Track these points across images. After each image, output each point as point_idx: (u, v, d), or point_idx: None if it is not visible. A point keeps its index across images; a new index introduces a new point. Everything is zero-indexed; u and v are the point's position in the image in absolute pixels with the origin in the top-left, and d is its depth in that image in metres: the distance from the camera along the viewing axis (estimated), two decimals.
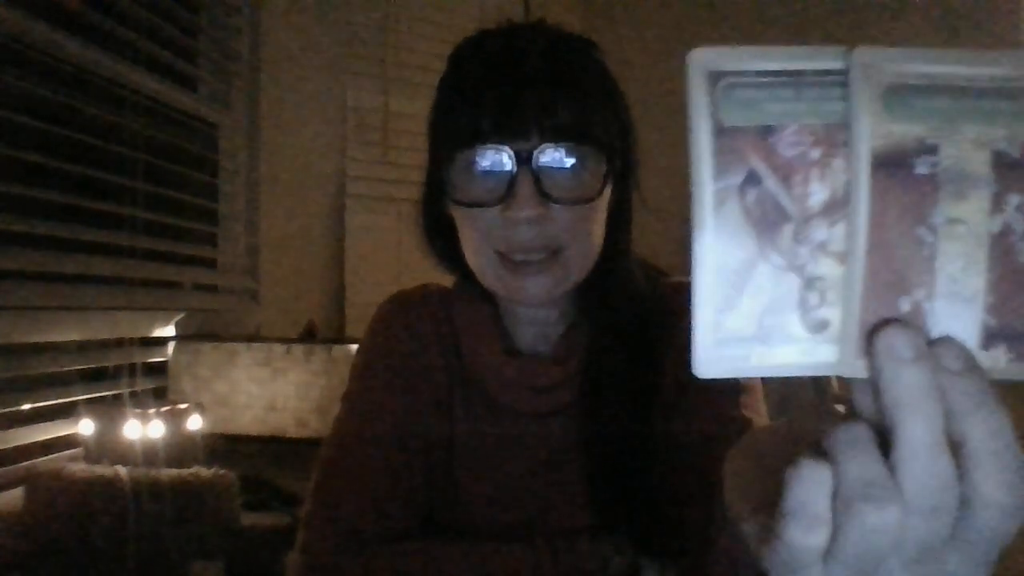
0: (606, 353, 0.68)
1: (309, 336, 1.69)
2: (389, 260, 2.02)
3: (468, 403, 0.73)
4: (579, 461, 0.68)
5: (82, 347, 1.37)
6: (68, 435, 1.25)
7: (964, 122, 0.26)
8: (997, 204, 0.26)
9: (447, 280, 0.77)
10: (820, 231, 0.27)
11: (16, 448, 1.18)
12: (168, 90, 1.55)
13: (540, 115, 0.59)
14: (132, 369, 1.44)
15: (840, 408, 0.29)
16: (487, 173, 0.61)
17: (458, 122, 0.62)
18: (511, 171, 0.59)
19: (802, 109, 0.26)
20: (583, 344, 0.69)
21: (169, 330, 1.57)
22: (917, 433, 0.25)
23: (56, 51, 1.25)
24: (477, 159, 0.61)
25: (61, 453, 1.26)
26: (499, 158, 0.60)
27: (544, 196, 0.59)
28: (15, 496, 1.10)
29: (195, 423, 1.26)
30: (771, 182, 0.27)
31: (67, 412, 1.25)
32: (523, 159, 0.59)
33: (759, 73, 0.26)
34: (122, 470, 1.07)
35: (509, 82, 0.60)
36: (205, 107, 1.69)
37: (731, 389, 0.64)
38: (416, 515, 0.70)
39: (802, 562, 0.27)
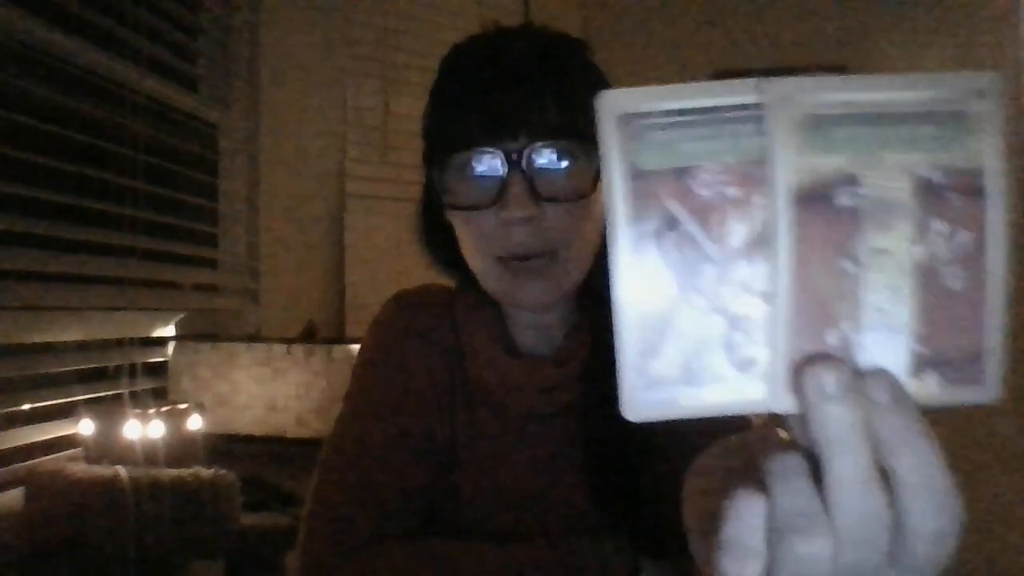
0: (607, 354, 0.68)
1: (309, 336, 1.69)
2: (389, 260, 2.02)
3: (470, 404, 0.73)
4: (580, 462, 0.68)
5: (82, 347, 1.37)
6: (68, 435, 1.25)
7: (884, 149, 0.26)
8: (921, 232, 0.26)
9: (448, 280, 0.77)
10: (742, 270, 0.26)
11: (16, 448, 1.18)
12: (168, 90, 1.55)
13: (528, 115, 0.59)
14: (132, 369, 1.44)
15: (783, 433, 0.28)
16: (479, 176, 0.61)
17: (448, 127, 0.62)
18: (502, 173, 0.60)
19: (718, 147, 0.26)
20: (585, 345, 0.69)
21: (169, 330, 1.57)
22: (845, 468, 0.25)
23: (56, 51, 1.25)
24: (468, 163, 0.61)
25: (61, 453, 1.26)
26: (490, 160, 0.61)
27: (536, 196, 0.59)
28: (15, 496, 1.10)
29: (195, 423, 1.26)
30: (689, 224, 0.26)
31: (67, 412, 1.25)
32: (513, 160, 0.59)
33: (671, 112, 0.26)
34: (122, 470, 1.07)
35: (496, 84, 0.61)
36: (205, 107, 1.69)
37: None
38: (417, 515, 0.70)
39: None
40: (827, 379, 0.25)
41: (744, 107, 0.26)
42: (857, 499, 0.25)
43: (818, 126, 0.26)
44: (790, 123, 0.26)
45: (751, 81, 0.26)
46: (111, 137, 1.40)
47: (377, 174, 2.06)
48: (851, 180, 0.26)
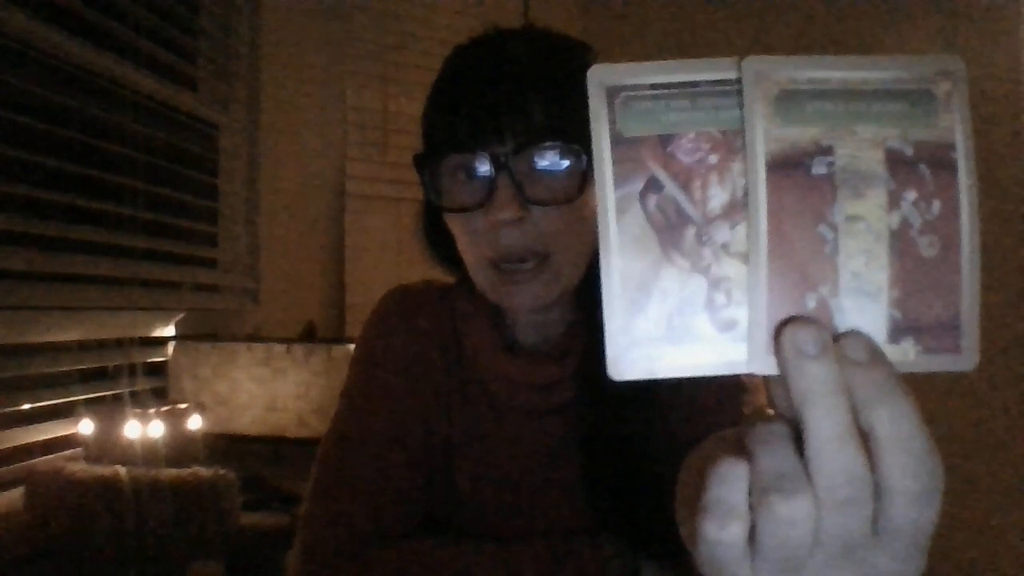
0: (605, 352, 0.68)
1: (309, 336, 1.69)
2: (389, 260, 2.02)
3: (468, 400, 0.73)
4: (578, 460, 0.68)
5: (82, 347, 1.37)
6: (68, 435, 1.25)
7: (857, 123, 0.27)
8: (894, 200, 0.27)
9: (449, 277, 0.77)
10: (722, 233, 0.27)
11: (16, 448, 1.18)
12: (168, 90, 1.55)
13: (516, 118, 0.59)
14: (132, 369, 1.44)
15: (769, 411, 0.29)
16: (469, 178, 0.62)
17: (440, 129, 0.63)
18: (490, 175, 0.60)
19: (699, 117, 0.27)
20: (583, 342, 0.70)
21: (169, 330, 1.57)
22: (824, 426, 0.25)
23: (56, 51, 1.25)
24: (458, 166, 0.62)
25: (61, 453, 1.26)
26: (478, 163, 0.61)
27: (523, 198, 0.60)
28: (15, 496, 1.10)
29: (195, 423, 1.26)
30: (671, 187, 0.28)
31: (67, 412, 1.25)
32: (500, 163, 0.59)
33: (655, 86, 0.27)
34: (122, 470, 1.07)
35: (486, 87, 0.61)
36: (205, 107, 1.69)
37: (732, 388, 0.64)
38: (415, 513, 0.70)
39: (724, 558, 0.27)
40: (805, 339, 0.26)
41: (723, 82, 0.27)
42: (837, 457, 0.25)
43: (792, 100, 0.27)
44: (766, 97, 0.27)
45: (730, 59, 0.27)
46: (111, 137, 1.40)
47: (377, 174, 2.06)
48: (825, 151, 0.27)
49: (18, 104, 1.16)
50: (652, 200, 0.28)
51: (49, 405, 1.25)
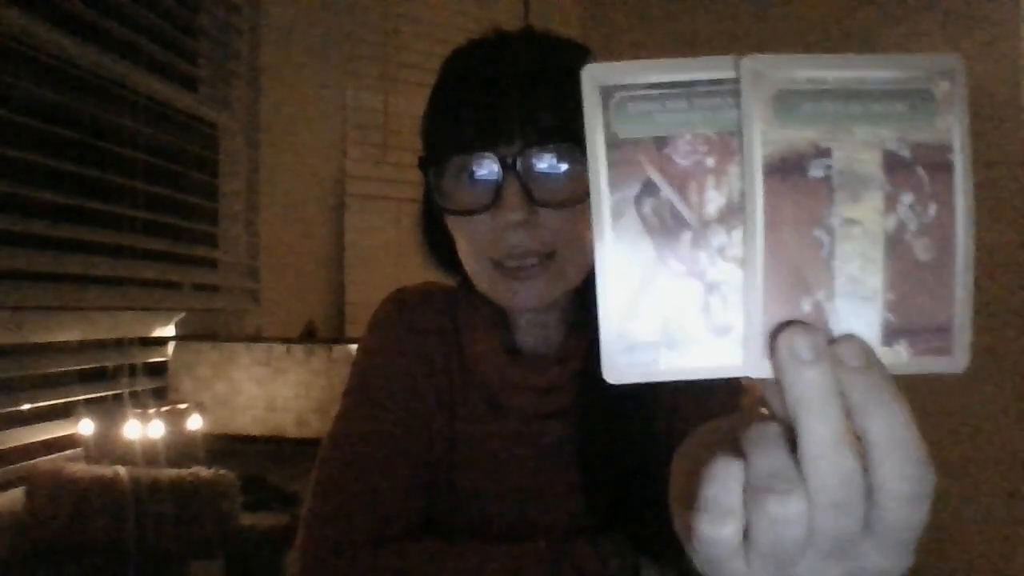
0: None
1: (309, 336, 1.69)
2: (389, 260, 2.02)
3: (469, 402, 0.73)
4: (579, 462, 0.68)
5: (82, 347, 1.37)
6: (68, 435, 1.25)
7: (854, 124, 0.27)
8: (890, 203, 0.27)
9: (449, 280, 0.77)
10: (718, 237, 0.27)
11: (16, 448, 1.18)
12: (168, 90, 1.55)
13: (522, 119, 0.59)
14: (132, 369, 1.44)
15: (764, 410, 0.29)
16: (474, 180, 0.62)
17: (444, 131, 0.63)
18: (497, 177, 0.60)
19: (696, 119, 0.27)
20: (584, 345, 0.70)
21: (169, 330, 1.57)
22: (818, 431, 0.26)
23: (56, 51, 1.25)
24: (463, 167, 0.62)
25: (61, 453, 1.26)
26: (485, 165, 0.61)
27: (531, 200, 0.60)
28: (15, 496, 1.10)
29: (195, 423, 1.26)
30: (667, 191, 0.27)
31: (67, 412, 1.25)
32: (508, 164, 0.59)
33: (651, 85, 0.27)
34: (122, 470, 1.07)
35: (491, 89, 0.61)
36: (205, 107, 1.69)
37: (730, 390, 0.64)
38: (416, 514, 0.70)
39: (719, 555, 0.27)
40: (801, 343, 0.26)
41: (720, 82, 0.27)
42: (831, 460, 0.26)
43: (790, 101, 0.27)
44: (764, 97, 0.27)
45: (727, 57, 0.27)
46: (111, 137, 1.40)
47: (377, 174, 2.06)
48: (823, 152, 0.27)
49: (18, 104, 1.16)
50: (648, 204, 0.27)
51: (49, 405, 1.25)
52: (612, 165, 0.27)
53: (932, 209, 0.27)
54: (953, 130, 0.27)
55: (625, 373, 0.28)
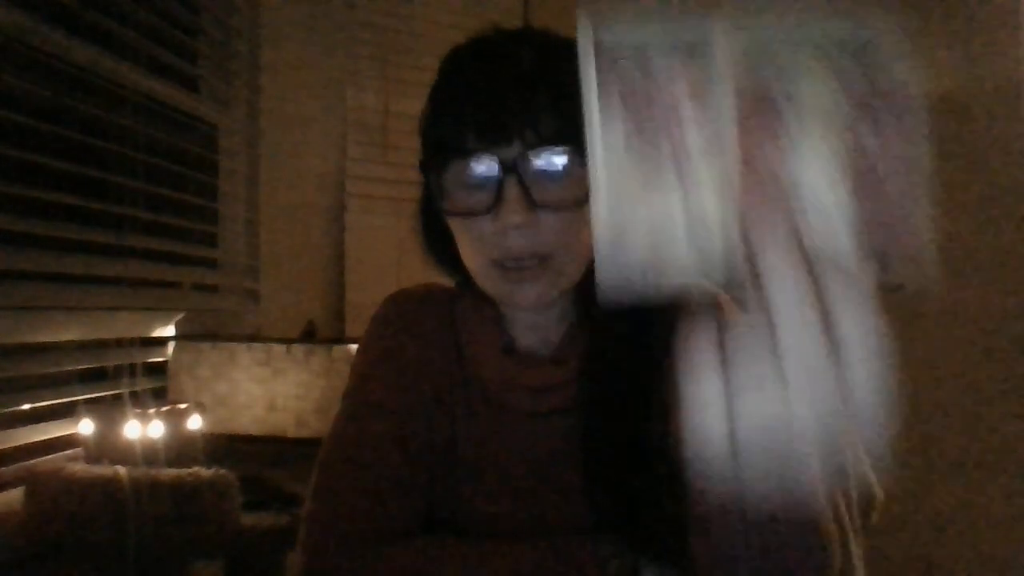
0: (605, 354, 0.68)
1: (309, 336, 1.69)
2: (389, 260, 2.01)
3: (469, 402, 0.73)
4: (578, 461, 0.69)
5: (82, 347, 1.37)
6: (68, 435, 1.25)
7: (816, 69, 0.31)
8: (854, 138, 0.30)
9: (448, 280, 0.77)
10: (699, 168, 0.31)
11: (16, 448, 1.18)
12: (168, 90, 1.55)
13: (523, 122, 0.59)
14: (132, 369, 1.44)
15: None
16: (475, 182, 0.62)
17: (445, 133, 0.63)
18: (497, 179, 0.60)
19: (678, 68, 0.31)
20: (583, 345, 0.70)
21: (169, 330, 1.57)
22: (797, 328, 0.29)
23: (56, 51, 1.25)
24: (464, 169, 0.62)
25: (61, 453, 1.26)
26: (485, 167, 0.61)
27: (532, 202, 0.60)
28: (15, 496, 1.10)
29: (195, 423, 1.26)
30: (652, 129, 0.31)
31: (67, 412, 1.25)
32: (508, 167, 0.59)
33: (638, 44, 0.32)
34: (122, 470, 1.07)
35: (492, 90, 0.61)
36: (205, 107, 1.69)
37: None
38: (417, 514, 0.70)
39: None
40: (779, 260, 0.30)
41: (696, 40, 0.31)
42: (807, 355, 0.29)
43: (757, 50, 0.31)
44: (733, 48, 0.31)
45: (701, 18, 0.31)
46: (111, 137, 1.40)
47: (377, 174, 2.06)
48: (788, 96, 0.31)
49: (18, 104, 1.16)
50: (635, 143, 0.31)
51: (49, 405, 1.25)
52: (603, 109, 0.31)
53: (892, 143, 0.30)
54: (905, 73, 0.31)
55: (618, 295, 0.31)
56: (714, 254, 0.30)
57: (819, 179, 0.30)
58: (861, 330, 0.29)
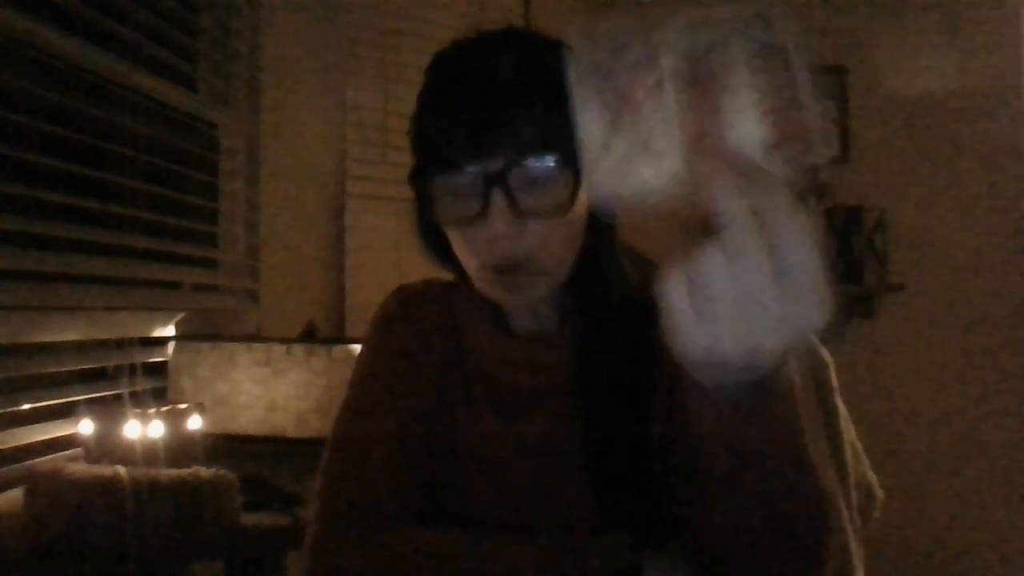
0: (599, 334, 0.70)
1: (309, 336, 1.69)
2: (389, 260, 2.02)
3: (470, 391, 0.75)
4: (577, 446, 0.69)
5: (82, 347, 1.37)
6: (68, 435, 1.25)
7: (728, 52, 0.41)
8: (757, 89, 0.40)
9: (448, 276, 0.78)
10: (654, 114, 0.42)
11: (16, 448, 1.18)
12: (168, 90, 1.55)
13: (508, 131, 0.60)
14: (132, 369, 1.44)
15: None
16: (461, 193, 0.63)
17: (431, 144, 0.64)
18: (483, 190, 0.61)
19: (639, 66, 0.43)
20: (578, 325, 0.72)
21: (169, 330, 1.57)
22: (741, 232, 0.37)
23: (56, 51, 1.25)
24: (450, 181, 0.63)
25: (61, 453, 1.26)
26: (470, 179, 0.62)
27: (517, 211, 0.61)
28: (15, 496, 1.10)
29: (195, 423, 1.26)
30: (621, 101, 0.43)
31: (67, 412, 1.25)
32: (493, 178, 0.60)
33: (613, 48, 0.43)
34: (122, 470, 1.06)
35: (475, 102, 0.62)
36: (205, 107, 1.69)
37: None
38: (420, 506, 0.72)
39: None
40: (723, 178, 0.38)
41: (650, 43, 0.43)
42: (749, 252, 0.37)
43: (684, 46, 0.42)
44: (672, 47, 0.42)
45: (648, 32, 0.43)
46: (111, 137, 1.40)
47: (377, 174, 2.06)
48: (710, 72, 0.41)
49: (18, 104, 1.16)
50: (611, 102, 0.43)
51: (49, 405, 1.25)
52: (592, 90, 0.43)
53: (783, 91, 0.40)
54: (786, 39, 0.41)
55: (607, 190, 0.43)
56: (675, 173, 0.42)
57: (742, 118, 0.41)
58: (795, 224, 0.37)
